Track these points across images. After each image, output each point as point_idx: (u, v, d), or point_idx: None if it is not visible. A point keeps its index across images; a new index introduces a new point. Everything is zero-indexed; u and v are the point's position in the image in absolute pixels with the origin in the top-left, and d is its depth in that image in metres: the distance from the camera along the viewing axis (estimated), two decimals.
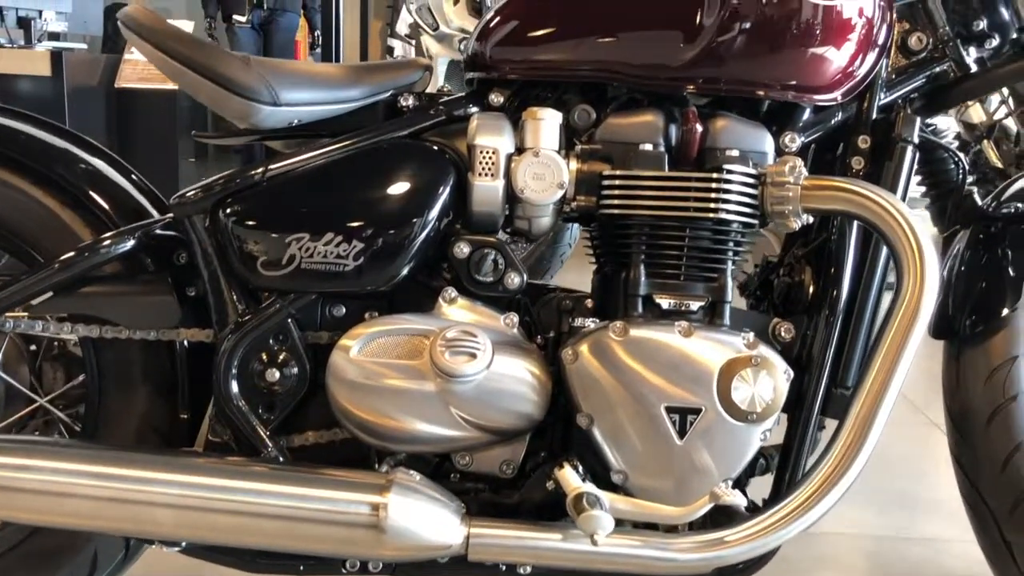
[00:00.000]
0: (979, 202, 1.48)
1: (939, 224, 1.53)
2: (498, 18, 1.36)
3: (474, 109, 1.37)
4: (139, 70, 3.84)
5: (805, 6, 1.26)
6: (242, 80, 1.26)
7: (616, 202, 1.28)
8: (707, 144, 1.29)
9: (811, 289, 1.36)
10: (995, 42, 1.42)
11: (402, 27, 6.32)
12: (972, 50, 1.42)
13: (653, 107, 1.32)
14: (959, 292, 1.37)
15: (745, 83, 1.29)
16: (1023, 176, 1.49)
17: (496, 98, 1.36)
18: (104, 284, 1.30)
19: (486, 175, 1.28)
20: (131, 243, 1.30)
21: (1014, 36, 1.41)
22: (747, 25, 1.26)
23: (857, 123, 1.35)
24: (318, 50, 5.68)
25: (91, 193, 1.35)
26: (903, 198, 1.33)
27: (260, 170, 1.29)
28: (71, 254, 1.27)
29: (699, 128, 1.29)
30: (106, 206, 1.35)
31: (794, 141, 1.32)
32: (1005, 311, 1.32)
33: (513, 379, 1.24)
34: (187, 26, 3.91)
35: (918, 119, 1.35)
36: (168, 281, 1.32)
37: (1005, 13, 1.41)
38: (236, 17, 5.16)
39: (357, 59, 6.24)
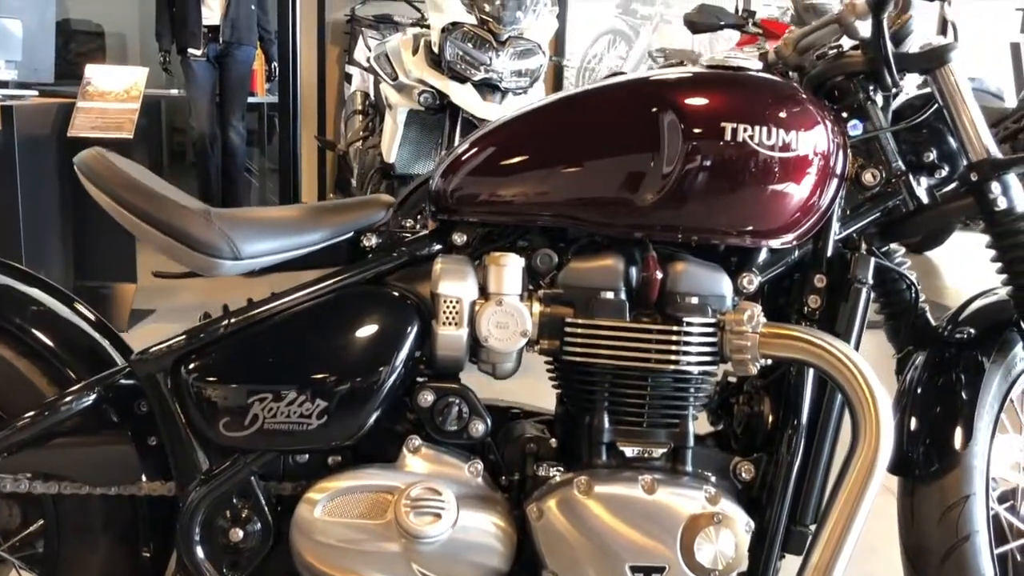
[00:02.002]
0: (932, 322, 1.52)
1: (894, 343, 1.56)
2: (461, 159, 1.37)
3: (437, 247, 1.38)
4: (92, 118, 3.77)
5: (762, 154, 1.28)
6: (203, 237, 1.25)
7: (579, 349, 1.29)
8: (667, 287, 1.31)
9: (770, 420, 1.39)
10: (944, 172, 1.45)
11: (359, 55, 6.27)
12: (923, 179, 1.45)
13: (613, 251, 1.33)
14: (914, 426, 1.40)
15: (704, 229, 1.31)
16: (978, 297, 1.53)
17: (459, 238, 1.37)
18: (63, 441, 1.28)
19: (450, 324, 1.29)
20: (92, 398, 1.28)
21: (963, 165, 1.45)
22: (706, 172, 1.28)
23: (813, 261, 1.38)
24: (275, 80, 5.63)
25: (47, 341, 1.33)
26: (858, 339, 1.35)
27: (222, 324, 1.29)
28: (31, 415, 1.26)
29: (659, 274, 1.30)
30: (64, 355, 1.33)
31: (752, 283, 1.34)
32: (958, 450, 1.35)
33: (479, 533, 1.25)
34: (140, 73, 3.86)
35: (872, 259, 1.38)
36: (128, 434, 1.31)
37: (953, 143, 1.44)
38: (191, 51, 5.07)
39: (315, 87, 6.18)
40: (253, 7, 5.22)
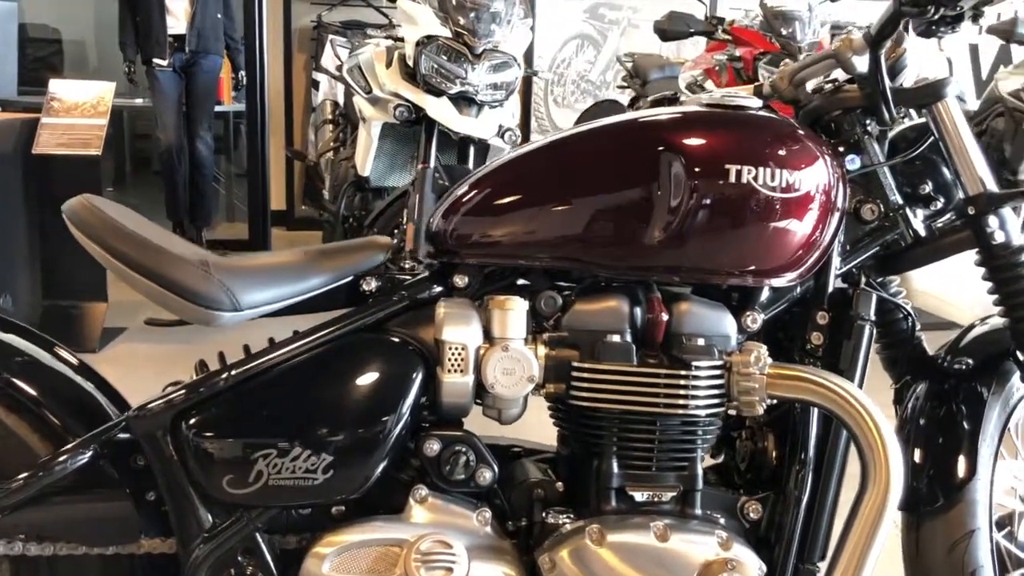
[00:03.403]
0: (928, 352, 1.53)
1: (891, 372, 1.56)
2: (461, 200, 1.35)
3: (437, 290, 1.36)
4: (58, 135, 3.69)
5: (767, 195, 1.27)
6: (201, 290, 1.22)
7: (585, 393, 1.28)
8: (672, 329, 1.30)
9: (774, 457, 1.38)
10: (940, 204, 1.46)
11: (327, 62, 6.21)
12: (919, 211, 1.45)
13: (617, 292, 1.32)
14: (917, 459, 1.41)
15: (708, 270, 1.30)
16: (975, 327, 1.54)
17: (460, 281, 1.35)
18: (57, 499, 1.24)
19: (456, 371, 1.27)
20: (87, 456, 1.24)
21: (959, 198, 1.45)
22: (710, 214, 1.27)
23: (815, 298, 1.38)
24: (243, 89, 5.54)
25: (34, 394, 1.29)
26: (862, 377, 1.36)
27: (222, 377, 1.26)
28: (25, 476, 1.21)
29: (664, 316, 1.29)
30: (54, 407, 1.29)
31: (756, 322, 1.34)
32: (963, 483, 1.36)
33: None
34: (108, 88, 3.79)
35: (874, 294, 1.38)
36: (125, 490, 1.27)
37: (947, 174, 1.45)
38: (157, 61, 4.98)
39: (281, 96, 6.11)
40: (219, 15, 5.14)
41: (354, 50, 4.94)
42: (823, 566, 1.36)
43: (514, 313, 1.28)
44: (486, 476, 1.29)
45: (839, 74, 1.48)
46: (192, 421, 1.23)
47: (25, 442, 1.27)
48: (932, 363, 1.51)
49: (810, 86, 1.51)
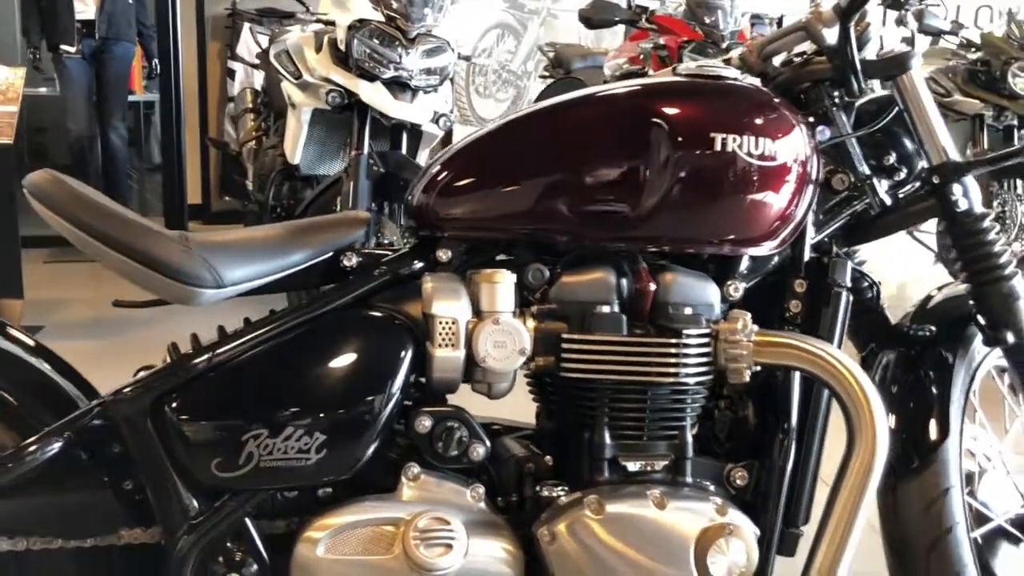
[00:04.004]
0: (891, 321, 1.57)
1: (855, 341, 1.60)
2: (442, 174, 1.33)
3: (419, 265, 1.33)
4: None
5: (750, 164, 1.29)
6: (182, 265, 1.16)
7: (576, 365, 1.27)
8: (658, 299, 1.30)
9: (755, 425, 1.40)
10: (902, 174, 1.50)
11: (243, 50, 6.04)
12: (884, 183, 1.49)
13: (604, 263, 1.31)
14: (892, 427, 1.44)
15: (694, 239, 1.31)
16: (934, 295, 1.59)
17: (443, 255, 1.32)
18: (30, 492, 1.17)
19: (446, 345, 1.24)
20: (59, 444, 1.17)
21: (920, 167, 1.50)
22: (696, 183, 1.28)
23: (792, 267, 1.40)
24: (156, 79, 5.35)
25: (4, 385, 1.22)
26: (839, 343, 1.38)
27: (205, 358, 1.20)
28: None
29: (652, 286, 1.30)
30: (22, 397, 1.22)
31: (738, 290, 1.35)
32: (935, 444, 1.40)
33: (489, 560, 1.22)
34: (17, 74, 3.61)
35: (849, 263, 1.41)
36: (104, 479, 1.21)
37: (909, 145, 1.49)
38: (64, 47, 4.75)
39: (196, 85, 5.92)
40: (130, 0, 4.94)
41: (275, 37, 4.83)
42: (806, 529, 1.39)
43: (502, 286, 1.27)
44: (479, 451, 1.27)
45: (805, 47, 1.51)
46: (176, 404, 1.18)
47: None
48: (896, 331, 1.55)
49: (778, 60, 1.54)
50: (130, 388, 1.19)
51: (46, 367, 1.29)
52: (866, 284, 1.54)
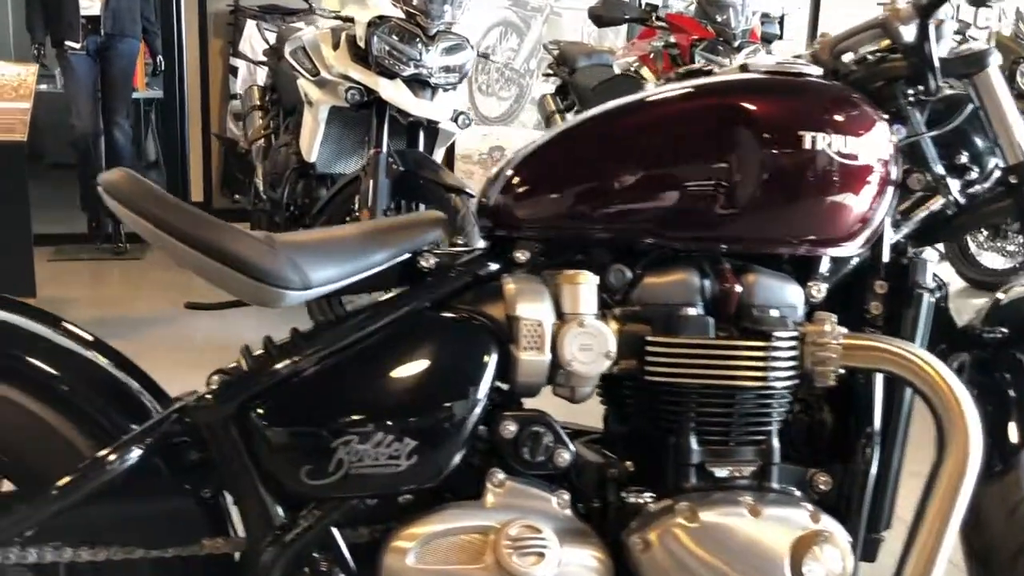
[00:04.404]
0: (957, 323, 1.55)
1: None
2: (520, 174, 1.30)
3: (495, 266, 1.30)
4: None
5: (838, 162, 1.26)
6: (270, 267, 1.13)
7: (662, 368, 1.24)
8: (743, 300, 1.28)
9: (832, 428, 1.38)
10: (974, 173, 1.48)
11: (245, 47, 5.98)
12: (957, 182, 1.47)
13: (687, 264, 1.29)
14: None
15: (780, 240, 1.29)
16: (1002, 297, 1.57)
17: (521, 255, 1.29)
18: (108, 500, 1.13)
19: (532, 348, 1.21)
20: (139, 452, 1.13)
21: (993, 166, 1.48)
22: (784, 182, 1.26)
23: (872, 268, 1.38)
24: (160, 76, 5.29)
25: (77, 388, 1.18)
26: (923, 345, 1.36)
27: (288, 363, 1.17)
28: (73, 477, 1.10)
29: (738, 288, 1.27)
30: (98, 402, 1.18)
31: (820, 292, 1.33)
32: (1017, 448, 1.38)
33: (581, 569, 1.19)
34: (29, 71, 3.55)
35: (930, 264, 1.39)
36: (185, 487, 1.17)
37: (980, 144, 1.47)
38: (69, 43, 4.67)
39: (198, 82, 5.85)
40: None
41: (283, 34, 4.78)
42: (887, 535, 1.37)
43: (586, 287, 1.24)
44: (564, 457, 1.24)
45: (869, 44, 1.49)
46: (262, 410, 1.14)
47: (67, 439, 1.16)
48: (967, 333, 1.53)
49: (846, 56, 1.51)
50: (212, 394, 1.15)
51: (114, 368, 1.25)
52: (935, 285, 1.52)
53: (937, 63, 1.38)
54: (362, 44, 3.38)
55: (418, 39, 3.36)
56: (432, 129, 3.60)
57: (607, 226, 1.28)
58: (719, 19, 4.62)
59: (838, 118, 1.28)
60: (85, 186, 4.98)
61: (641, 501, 1.24)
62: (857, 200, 1.29)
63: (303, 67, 3.59)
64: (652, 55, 4.88)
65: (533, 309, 1.22)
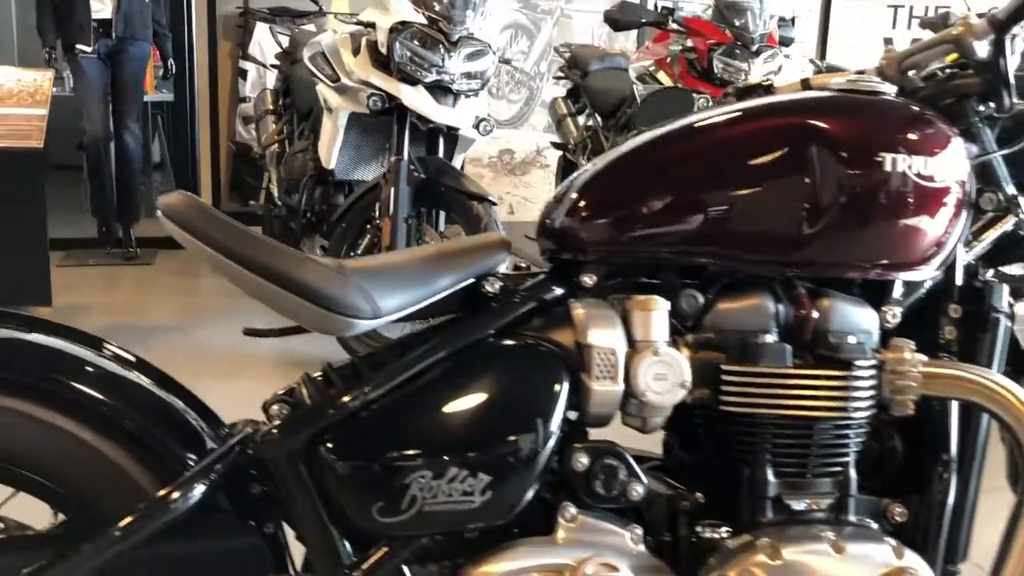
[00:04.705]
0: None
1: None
2: (587, 194, 1.26)
3: (560, 291, 1.26)
4: None
5: (916, 184, 1.23)
6: (340, 295, 1.08)
7: (737, 398, 1.20)
8: (818, 326, 1.24)
9: (904, 458, 1.34)
10: None
11: (255, 50, 5.93)
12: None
13: (760, 289, 1.25)
14: None
15: (857, 263, 1.25)
16: None
17: (588, 279, 1.25)
18: (168, 537, 1.08)
19: (605, 377, 1.17)
20: (203, 487, 1.09)
21: None
22: (863, 204, 1.22)
23: (945, 291, 1.34)
24: (170, 79, 5.24)
25: (134, 417, 1.13)
26: (999, 371, 1.32)
27: (356, 395, 1.12)
28: (137, 515, 1.05)
29: (815, 314, 1.23)
30: (156, 432, 1.13)
31: (895, 316, 1.29)
32: None
33: None
34: (45, 76, 3.50)
35: (1005, 287, 1.35)
36: (250, 523, 1.13)
37: None
38: (80, 47, 4.63)
39: (207, 85, 5.80)
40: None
41: (295, 37, 4.73)
42: (964, 568, 1.32)
43: (658, 314, 1.20)
44: (638, 490, 1.20)
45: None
46: (332, 444, 1.09)
47: (122, 469, 1.11)
48: None
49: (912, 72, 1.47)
50: (278, 427, 1.11)
51: (164, 391, 1.21)
52: (1010, 309, 1.49)
53: (1012, 79, 1.34)
54: (383, 50, 3.34)
55: (440, 45, 3.31)
56: (452, 135, 3.56)
57: (677, 249, 1.24)
58: (737, 23, 4.57)
59: (917, 138, 1.24)
60: (96, 190, 4.94)
61: (717, 536, 1.20)
62: (933, 222, 1.25)
63: (323, 73, 3.54)
64: (669, 59, 4.83)
65: (605, 336, 1.17)
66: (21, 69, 3.51)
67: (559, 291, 1.25)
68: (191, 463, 1.11)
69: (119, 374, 1.16)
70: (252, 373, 3.36)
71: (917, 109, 1.29)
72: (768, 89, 1.52)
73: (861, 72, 1.53)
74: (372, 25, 3.41)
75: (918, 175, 1.22)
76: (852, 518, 1.24)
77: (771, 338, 1.22)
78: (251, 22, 5.89)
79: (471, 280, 1.23)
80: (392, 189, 3.32)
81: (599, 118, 5.60)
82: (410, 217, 3.33)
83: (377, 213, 3.39)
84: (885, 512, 1.29)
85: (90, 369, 1.14)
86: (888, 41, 1.72)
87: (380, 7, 3.39)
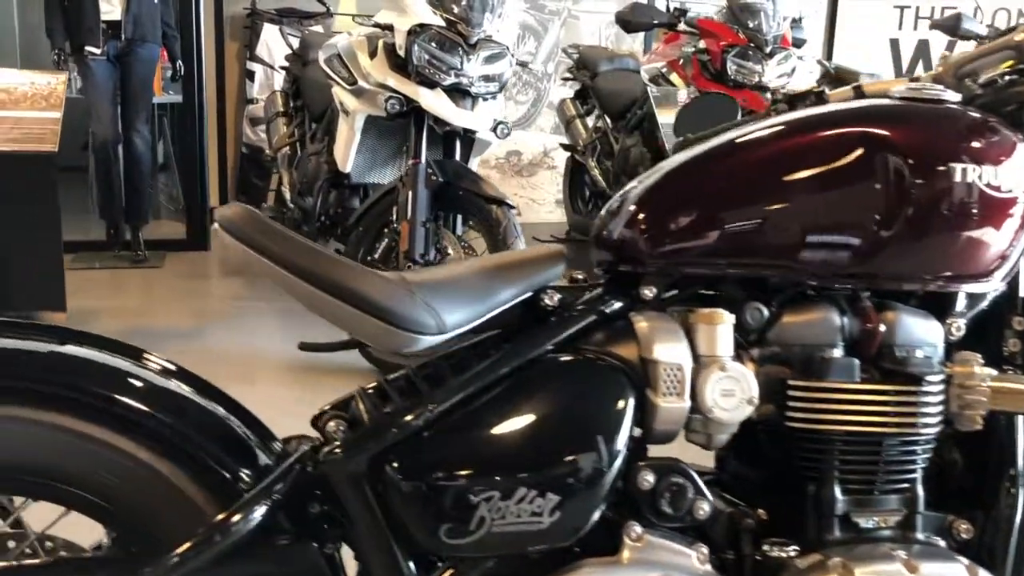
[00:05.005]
0: None
1: None
2: (647, 204, 1.23)
3: (620, 303, 1.23)
4: (6, 130, 3.35)
5: (985, 195, 1.20)
6: (408, 312, 1.05)
7: (804, 414, 1.17)
8: (884, 340, 1.21)
9: (966, 472, 1.31)
10: None
11: (262, 51, 5.90)
12: None
13: (825, 302, 1.22)
14: None
15: (924, 275, 1.23)
16: None
17: (648, 292, 1.22)
18: (229, 561, 1.05)
19: (672, 394, 1.14)
20: (264, 508, 1.06)
21: None
22: (932, 216, 1.20)
23: (1010, 303, 1.31)
24: (179, 80, 5.19)
25: (191, 436, 1.10)
26: None
27: (419, 413, 1.09)
28: (197, 539, 1.02)
29: (881, 327, 1.21)
30: (214, 451, 1.10)
31: (960, 329, 1.26)
32: None
33: None
34: (59, 79, 3.46)
35: None
36: (310, 544, 1.10)
37: None
38: (89, 49, 4.58)
39: (214, 86, 5.76)
40: (156, 1, 4.78)
41: (306, 39, 4.70)
42: None
43: (723, 327, 1.17)
44: (704, 509, 1.17)
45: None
46: (399, 463, 1.06)
47: (180, 490, 1.08)
48: None
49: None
50: (342, 446, 1.08)
51: (221, 410, 1.17)
52: None
53: None
54: (401, 53, 3.31)
55: (459, 48, 3.29)
56: (468, 138, 3.53)
57: (741, 262, 1.21)
58: (751, 25, 4.55)
59: (984, 148, 1.22)
60: (104, 193, 4.90)
61: (784, 555, 1.18)
62: (1000, 233, 1.23)
63: (339, 75, 3.51)
64: (681, 61, 4.80)
65: (672, 351, 1.15)
66: (35, 72, 3.47)
67: (618, 304, 1.23)
68: (247, 480, 1.08)
69: (165, 387, 1.13)
70: (272, 378, 3.33)
71: (982, 117, 1.27)
72: (820, 96, 1.49)
73: (916, 79, 1.50)
74: (389, 27, 3.38)
75: (988, 185, 1.20)
76: (920, 536, 1.21)
77: (838, 352, 1.19)
78: (258, 23, 5.86)
79: (530, 293, 1.20)
80: (410, 193, 3.29)
81: (608, 119, 5.58)
82: (428, 221, 3.31)
83: (395, 217, 3.36)
84: (950, 529, 1.26)
85: (136, 383, 1.11)
86: (943, 56, 1.69)
87: (396, 9, 3.36)
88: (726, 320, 1.17)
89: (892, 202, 1.18)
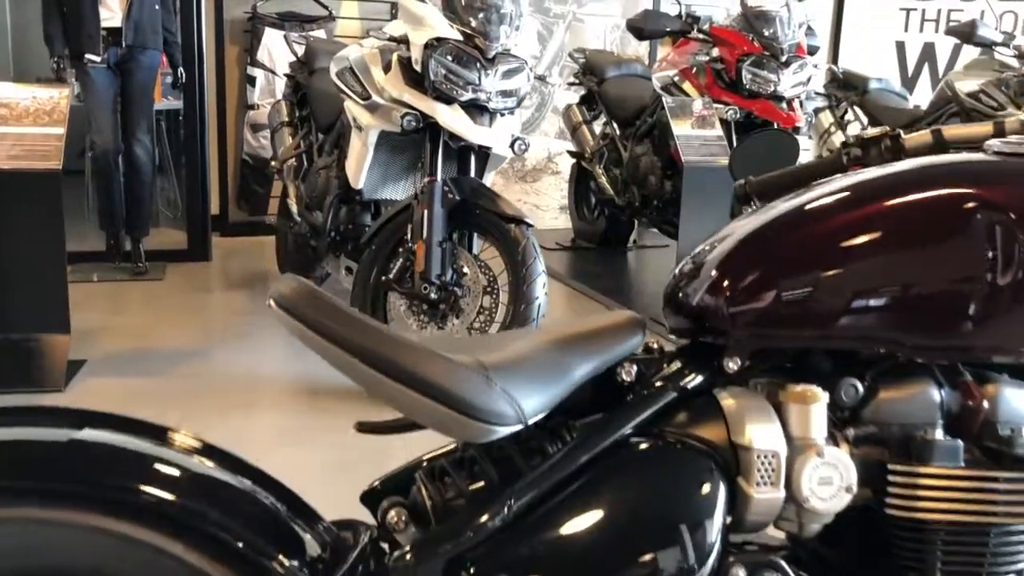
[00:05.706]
0: None
1: None
2: (731, 268, 1.14)
3: (700, 378, 1.14)
4: (8, 146, 3.23)
5: None
6: (488, 404, 0.96)
7: (906, 503, 1.08)
8: (985, 416, 1.12)
9: None
10: None
11: (263, 55, 5.78)
12: None
13: (923, 377, 1.13)
14: None
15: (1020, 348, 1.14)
16: None
17: (732, 364, 1.13)
18: None
19: (766, 483, 1.05)
20: None
21: None
22: None
23: None
24: (181, 87, 5.06)
25: (233, 529, 1.00)
26: None
27: (494, 512, 1.00)
28: None
29: (985, 404, 1.12)
30: (256, 542, 1.00)
31: None
32: None
33: None
34: (62, 93, 3.35)
35: None
36: None
37: None
38: (89, 56, 4.46)
39: (215, 92, 5.63)
40: (157, 6, 4.66)
41: (311, 46, 4.57)
42: None
43: (818, 407, 1.08)
44: None
45: None
46: (476, 570, 0.97)
47: None
48: None
49: None
50: (413, 552, 0.98)
51: (260, 492, 1.07)
52: None
53: None
54: (417, 67, 3.20)
55: (477, 62, 3.18)
56: (483, 153, 3.42)
57: (836, 334, 1.12)
58: (767, 33, 4.46)
59: None
60: (105, 204, 4.77)
61: None
62: None
63: (352, 90, 3.40)
64: (694, 69, 4.71)
65: (766, 437, 1.06)
66: (37, 86, 3.34)
67: (700, 378, 1.14)
68: (296, 572, 0.98)
69: (197, 470, 1.02)
70: (281, 403, 3.23)
71: None
72: (896, 140, 1.40)
73: (1000, 124, 1.41)
74: (403, 40, 3.27)
75: None
76: None
77: (939, 433, 1.10)
78: (259, 27, 5.74)
79: (606, 368, 1.11)
80: (425, 211, 3.19)
81: (616, 126, 5.49)
82: (444, 241, 3.21)
83: (409, 236, 3.26)
84: None
85: (165, 469, 1.00)
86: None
87: (411, 21, 3.25)
88: (820, 399, 1.08)
89: (1000, 269, 1.09)
